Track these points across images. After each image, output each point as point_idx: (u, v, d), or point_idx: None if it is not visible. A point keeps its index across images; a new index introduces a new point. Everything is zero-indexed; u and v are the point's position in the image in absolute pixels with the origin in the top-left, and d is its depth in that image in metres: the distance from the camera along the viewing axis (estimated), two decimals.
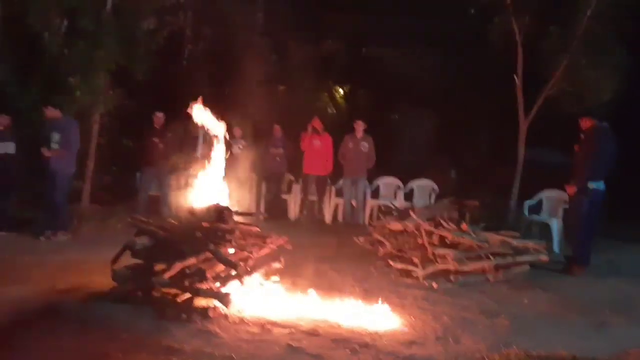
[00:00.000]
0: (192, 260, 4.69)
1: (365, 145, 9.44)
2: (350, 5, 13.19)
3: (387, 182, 10.13)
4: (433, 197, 9.65)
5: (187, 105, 6.12)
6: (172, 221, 5.20)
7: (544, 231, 8.55)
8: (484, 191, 9.66)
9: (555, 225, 8.32)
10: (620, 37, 8.25)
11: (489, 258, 6.30)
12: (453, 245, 6.34)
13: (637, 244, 9.03)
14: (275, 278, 5.21)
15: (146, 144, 9.05)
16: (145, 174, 9.01)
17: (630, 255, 8.26)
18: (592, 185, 6.85)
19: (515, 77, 9.50)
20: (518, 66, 9.50)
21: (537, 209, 9.06)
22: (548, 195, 8.89)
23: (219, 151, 5.76)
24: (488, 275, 6.22)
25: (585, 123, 7.04)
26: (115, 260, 5.06)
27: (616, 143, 6.96)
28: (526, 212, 8.90)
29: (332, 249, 7.38)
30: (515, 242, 6.51)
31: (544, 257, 6.51)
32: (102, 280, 5.15)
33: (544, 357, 4.05)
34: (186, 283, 4.70)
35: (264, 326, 4.40)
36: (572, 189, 7.00)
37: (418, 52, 13.71)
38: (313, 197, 9.75)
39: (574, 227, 7.19)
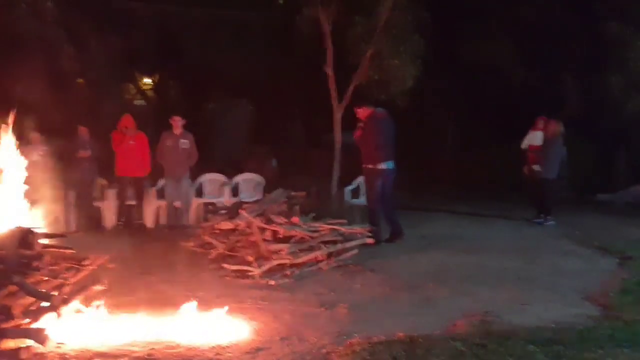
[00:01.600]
0: None
1: (186, 142, 8.96)
2: None
3: (211, 179, 9.80)
4: (259, 190, 9.57)
5: None
6: None
7: (364, 213, 9.01)
8: (304, 178, 9.87)
9: None
10: (418, 27, 8.92)
11: (320, 248, 6.41)
12: (286, 239, 6.33)
13: (440, 214, 10.01)
14: (98, 302, 4.65)
15: None
16: None
17: (439, 226, 9.08)
18: (383, 165, 7.55)
19: (325, 67, 9.76)
20: (328, 56, 9.78)
21: (356, 193, 9.52)
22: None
23: (14, 161, 4.99)
24: (321, 264, 6.33)
25: (364, 112, 7.66)
26: None
27: (395, 125, 7.72)
28: (347, 197, 9.29)
29: (159, 257, 6.89)
30: (343, 229, 6.71)
31: (369, 240, 6.81)
32: None
33: (384, 342, 4.19)
34: None
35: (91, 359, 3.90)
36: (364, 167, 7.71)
37: (229, 42, 13.51)
38: (131, 202, 9.02)
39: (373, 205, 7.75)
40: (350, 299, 5.36)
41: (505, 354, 3.94)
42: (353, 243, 6.70)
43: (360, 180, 9.43)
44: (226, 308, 4.68)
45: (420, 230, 8.54)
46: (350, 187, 9.40)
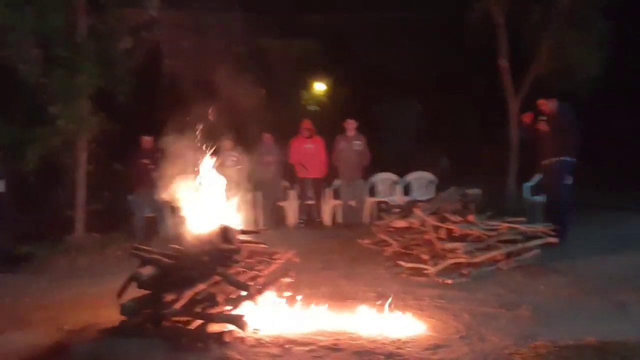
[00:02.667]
0: (201, 286, 4.53)
1: (359, 144, 9.31)
2: (326, 2, 13.08)
3: (383, 178, 10.02)
4: (431, 188, 9.54)
5: (171, 122, 6.01)
6: (176, 247, 5.03)
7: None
8: (477, 176, 9.60)
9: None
10: (602, 10, 8.20)
11: (499, 247, 6.22)
12: (461, 238, 6.25)
13: (637, 213, 9.01)
14: (288, 293, 5.07)
15: (136, 166, 8.88)
16: (139, 197, 8.82)
17: (635, 226, 8.22)
18: (571, 159, 7.25)
19: (500, 60, 9.40)
20: (502, 48, 9.40)
21: (536, 189, 8.99)
22: None
23: (213, 166, 5.61)
24: (500, 264, 6.14)
25: (551, 104, 7.32)
26: (121, 293, 4.89)
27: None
28: (526, 195, 8.83)
29: (338, 254, 7.26)
30: (523, 227, 6.43)
31: (553, 240, 6.42)
32: (109, 315, 4.97)
33: (572, 347, 3.96)
34: (197, 310, 4.55)
35: (283, 346, 4.25)
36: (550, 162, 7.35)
37: (396, 42, 13.65)
38: (310, 201, 9.61)
39: (556, 201, 7.40)
40: (533, 300, 5.14)
41: None
42: (534, 242, 6.37)
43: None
44: (403, 304, 4.80)
45: (613, 230, 7.84)
46: (530, 184, 8.91)
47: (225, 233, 4.82)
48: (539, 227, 6.54)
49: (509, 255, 6.20)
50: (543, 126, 7.31)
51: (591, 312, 4.83)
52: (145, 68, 9.51)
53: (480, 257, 6.04)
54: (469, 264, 6.01)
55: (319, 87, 16.00)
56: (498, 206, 7.70)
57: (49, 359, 4.33)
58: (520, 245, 6.28)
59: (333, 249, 7.58)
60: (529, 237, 6.41)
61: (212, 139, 6.35)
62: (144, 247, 5.05)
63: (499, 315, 4.80)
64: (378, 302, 4.91)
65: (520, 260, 6.24)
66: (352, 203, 9.52)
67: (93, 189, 8.98)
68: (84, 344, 4.54)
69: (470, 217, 6.26)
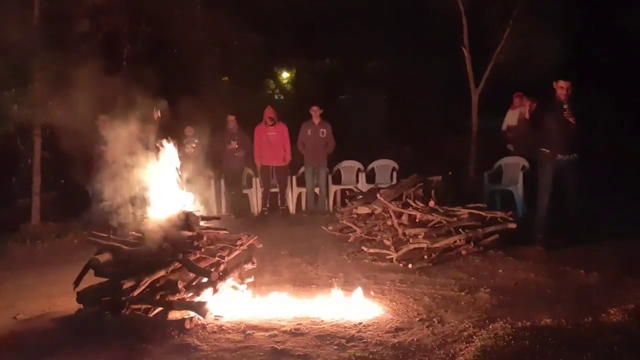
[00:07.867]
0: (161, 273, 4.46)
1: (324, 132, 9.30)
2: None
3: (347, 166, 10.04)
4: (394, 175, 9.61)
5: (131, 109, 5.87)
6: (135, 233, 4.93)
7: (505, 198, 8.67)
8: (439, 164, 9.71)
9: (517, 191, 8.44)
10: None
11: (459, 232, 6.31)
12: (423, 223, 6.33)
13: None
14: (250, 279, 5.05)
15: (95, 152, 8.61)
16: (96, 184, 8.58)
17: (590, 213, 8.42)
18: None
19: (463, 48, 9.48)
20: (464, 36, 9.49)
21: (496, 176, 9.15)
22: (507, 163, 8.99)
23: (172, 153, 5.51)
24: (461, 249, 6.24)
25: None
26: (77, 281, 4.76)
27: None
28: (487, 182, 8.98)
29: (302, 240, 7.25)
30: (483, 213, 6.54)
31: (512, 225, 6.54)
32: (66, 304, 4.89)
33: (529, 328, 4.05)
34: (157, 297, 4.48)
35: (245, 332, 4.24)
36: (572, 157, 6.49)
37: (361, 30, 13.64)
38: (274, 189, 9.56)
39: (575, 199, 6.56)
40: (492, 284, 5.26)
41: None
42: (494, 228, 6.49)
43: (501, 162, 9.06)
44: (366, 289, 4.83)
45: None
46: (489, 171, 9.06)
47: (186, 219, 4.76)
48: (498, 213, 6.66)
49: (469, 241, 6.29)
50: (569, 115, 6.27)
51: (548, 294, 4.96)
52: (104, 52, 9.23)
53: (441, 242, 6.12)
54: (430, 249, 6.09)
55: (284, 74, 15.91)
56: (458, 193, 7.79)
57: (2, 350, 4.20)
58: (480, 231, 6.39)
59: (297, 236, 7.57)
60: (488, 223, 6.52)
61: (173, 125, 6.22)
62: (102, 234, 4.93)
63: (459, 299, 4.88)
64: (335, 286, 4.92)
65: (480, 245, 6.34)
66: (317, 190, 9.51)
67: (49, 177, 8.71)
68: (38, 332, 4.43)
69: (432, 203, 6.34)
